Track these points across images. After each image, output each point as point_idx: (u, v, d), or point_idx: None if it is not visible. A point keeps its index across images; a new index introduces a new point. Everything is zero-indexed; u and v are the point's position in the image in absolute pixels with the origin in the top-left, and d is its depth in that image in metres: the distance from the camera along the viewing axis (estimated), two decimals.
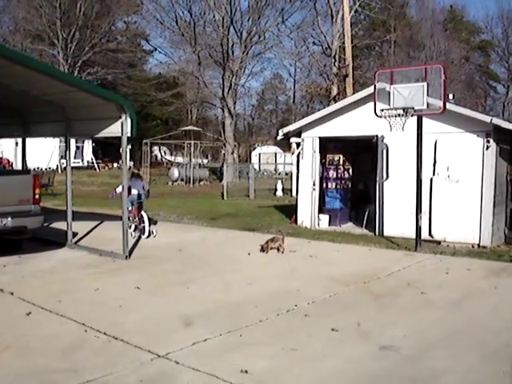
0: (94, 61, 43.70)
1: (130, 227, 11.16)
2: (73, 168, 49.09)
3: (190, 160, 31.90)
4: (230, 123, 32.65)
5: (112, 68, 45.35)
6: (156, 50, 50.81)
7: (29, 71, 8.38)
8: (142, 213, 11.74)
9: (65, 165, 43.09)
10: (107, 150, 55.20)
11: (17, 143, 40.79)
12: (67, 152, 10.42)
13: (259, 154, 50.20)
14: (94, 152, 51.59)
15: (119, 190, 10.87)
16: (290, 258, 9.83)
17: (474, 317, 6.38)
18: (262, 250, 10.04)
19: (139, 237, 11.62)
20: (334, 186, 14.33)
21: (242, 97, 49.74)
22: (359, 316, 6.36)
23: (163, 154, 53.11)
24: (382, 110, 10.13)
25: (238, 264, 9.25)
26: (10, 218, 8.61)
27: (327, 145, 14.13)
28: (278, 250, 10.10)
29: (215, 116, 52.99)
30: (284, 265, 9.23)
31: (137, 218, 11.75)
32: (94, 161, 46.49)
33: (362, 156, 14.47)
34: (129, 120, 9.02)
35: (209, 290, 7.48)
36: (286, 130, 14.07)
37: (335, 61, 30.05)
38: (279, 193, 24.85)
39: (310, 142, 13.69)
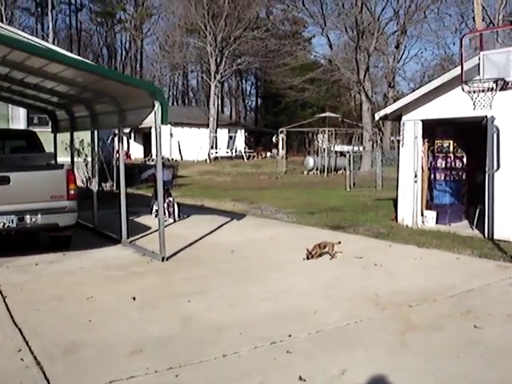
0: (242, 51, 44.12)
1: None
2: (223, 158, 50.04)
3: (326, 148, 30.40)
4: (367, 108, 30.37)
5: (262, 57, 45.49)
6: (314, 36, 49.98)
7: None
8: (172, 199, 12.75)
9: (213, 155, 43.88)
10: (261, 140, 55.86)
11: (171, 134, 42.96)
12: (120, 144, 9.92)
13: None
14: (248, 142, 52.30)
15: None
16: (347, 266, 8.24)
17: None
18: (307, 257, 8.53)
19: (204, 235, 10.82)
20: (442, 178, 12.11)
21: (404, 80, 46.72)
22: (356, 359, 4.77)
23: (319, 143, 52.19)
24: (466, 83, 7.96)
25: (278, 272, 7.93)
26: (39, 215, 8.29)
27: (436, 129, 11.98)
28: (331, 255, 8.57)
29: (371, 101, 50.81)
30: (330, 275, 7.70)
31: (165, 204, 12.18)
32: (243, 151, 47.04)
33: (482, 142, 11.97)
34: (160, 108, 8.20)
35: (208, 306, 6.33)
36: (382, 112, 12.17)
37: (497, 35, 26.52)
38: None
39: (411, 126, 11.66)
